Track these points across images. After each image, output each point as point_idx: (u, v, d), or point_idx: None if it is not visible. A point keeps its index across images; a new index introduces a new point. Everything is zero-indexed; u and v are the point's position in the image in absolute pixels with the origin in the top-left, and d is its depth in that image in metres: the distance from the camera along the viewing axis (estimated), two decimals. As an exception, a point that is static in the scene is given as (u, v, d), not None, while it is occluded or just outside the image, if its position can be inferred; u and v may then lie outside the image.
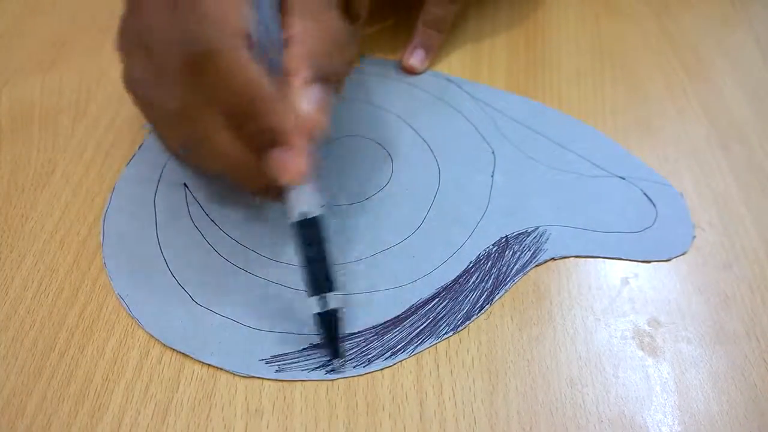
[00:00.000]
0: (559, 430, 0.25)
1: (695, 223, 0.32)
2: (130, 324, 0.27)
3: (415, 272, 0.29)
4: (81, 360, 0.26)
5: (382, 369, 0.26)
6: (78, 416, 0.24)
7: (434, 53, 0.40)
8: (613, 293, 0.29)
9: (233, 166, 0.26)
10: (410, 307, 0.28)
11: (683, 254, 0.31)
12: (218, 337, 0.27)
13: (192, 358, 0.26)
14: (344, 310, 0.26)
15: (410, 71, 0.39)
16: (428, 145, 0.35)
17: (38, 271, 0.29)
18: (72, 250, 0.30)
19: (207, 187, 0.32)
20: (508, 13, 0.44)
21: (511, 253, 0.30)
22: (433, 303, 0.28)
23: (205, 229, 0.30)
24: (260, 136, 0.24)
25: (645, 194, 0.33)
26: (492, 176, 0.33)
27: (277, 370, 0.26)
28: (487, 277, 0.29)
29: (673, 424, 0.25)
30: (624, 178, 0.34)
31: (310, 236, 0.25)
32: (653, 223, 0.32)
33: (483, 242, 0.30)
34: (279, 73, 0.25)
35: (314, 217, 0.25)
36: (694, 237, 0.31)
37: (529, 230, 0.31)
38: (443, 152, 0.35)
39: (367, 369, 0.26)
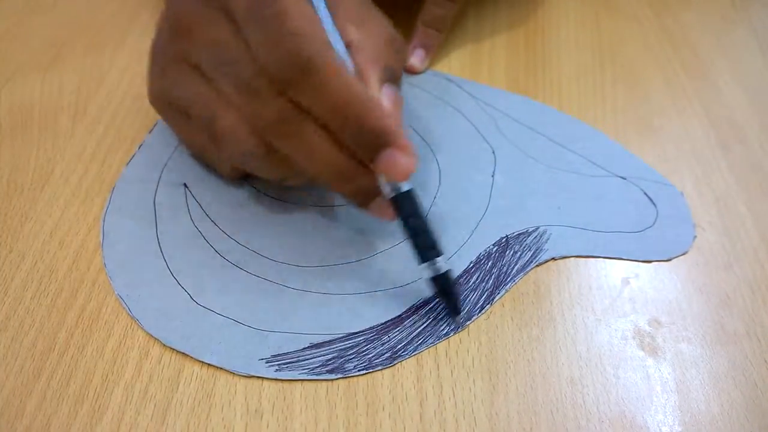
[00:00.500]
0: (559, 430, 0.25)
1: (696, 223, 0.32)
2: (129, 324, 0.27)
3: (416, 272, 0.29)
4: (80, 360, 0.26)
5: (382, 369, 0.26)
6: (77, 416, 0.24)
7: (434, 53, 0.40)
8: (614, 293, 0.29)
9: (337, 174, 0.26)
10: (411, 307, 0.28)
11: (684, 254, 0.31)
12: (218, 337, 0.27)
13: (192, 358, 0.26)
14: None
15: (410, 71, 0.39)
16: (428, 144, 0.35)
17: (38, 271, 0.29)
18: (71, 250, 0.29)
19: (207, 187, 0.32)
20: (508, 13, 0.44)
21: (511, 253, 0.30)
22: (433, 303, 0.28)
23: (205, 229, 0.30)
24: (365, 140, 0.25)
25: (645, 194, 0.33)
26: (492, 176, 0.33)
27: (277, 370, 0.26)
28: (487, 277, 0.29)
29: (674, 424, 0.25)
30: (624, 178, 0.34)
31: (408, 209, 0.26)
32: (654, 223, 0.32)
33: (483, 242, 0.30)
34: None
35: (408, 191, 0.26)
36: (695, 237, 0.31)
37: (530, 230, 0.31)
38: (443, 152, 0.35)
39: (368, 369, 0.26)
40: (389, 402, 0.25)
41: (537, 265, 0.30)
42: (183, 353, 0.26)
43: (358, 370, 0.26)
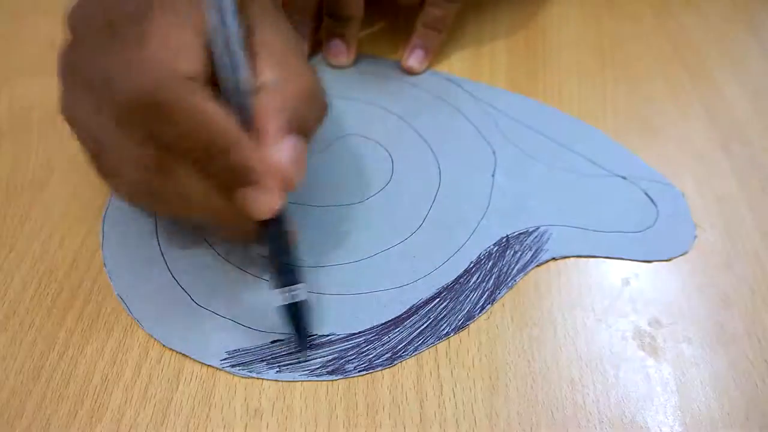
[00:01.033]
0: (559, 430, 0.25)
1: (696, 223, 0.32)
2: (129, 324, 0.27)
3: (416, 272, 0.29)
4: (80, 360, 0.26)
5: (382, 369, 0.26)
6: (77, 417, 0.24)
7: (434, 53, 0.40)
8: (614, 293, 0.29)
9: (202, 209, 0.25)
10: (411, 307, 0.28)
11: (684, 254, 0.31)
12: (218, 338, 0.27)
13: (191, 358, 0.26)
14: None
15: (410, 72, 0.39)
16: (428, 144, 0.35)
17: (37, 272, 0.29)
18: (71, 251, 0.29)
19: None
20: (508, 13, 0.44)
21: (512, 252, 0.30)
22: (434, 303, 0.28)
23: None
24: (227, 177, 0.23)
25: (646, 194, 0.33)
26: (493, 176, 0.33)
27: (277, 371, 0.26)
28: (488, 277, 0.29)
29: (674, 424, 0.25)
30: (625, 178, 0.34)
31: (275, 231, 0.25)
32: (654, 223, 0.32)
33: (484, 242, 0.30)
34: (248, 120, 0.24)
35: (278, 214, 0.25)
36: (695, 237, 0.31)
37: (530, 230, 0.31)
38: (444, 152, 0.35)
39: (368, 370, 0.26)
40: (389, 402, 0.25)
41: (537, 265, 0.30)
42: (183, 354, 0.26)
43: (359, 371, 0.26)
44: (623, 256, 0.30)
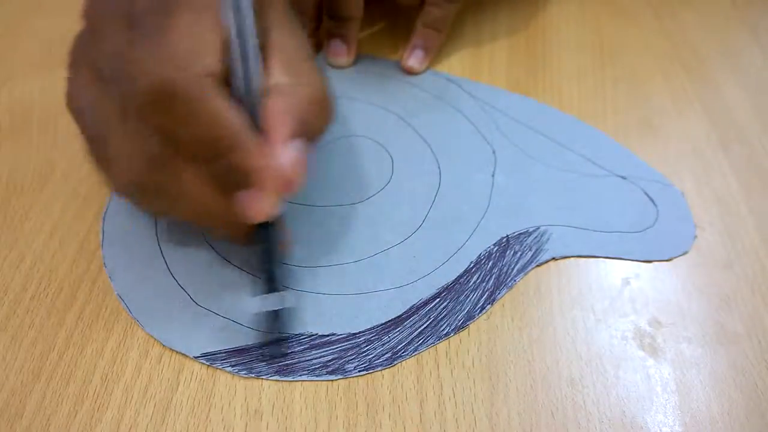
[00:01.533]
0: (559, 430, 0.25)
1: (696, 223, 0.32)
2: (129, 324, 0.27)
3: (416, 272, 0.29)
4: (80, 360, 0.26)
5: (382, 369, 0.26)
6: (77, 417, 0.24)
7: (434, 53, 0.40)
8: (614, 293, 0.29)
9: (201, 209, 0.25)
10: (411, 308, 0.28)
11: (684, 254, 0.31)
12: (218, 338, 0.27)
13: (191, 358, 0.26)
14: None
15: (409, 72, 0.39)
16: (428, 144, 0.35)
17: (37, 272, 0.29)
18: (71, 250, 0.29)
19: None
20: (508, 13, 0.44)
21: (512, 252, 0.30)
22: (434, 303, 0.28)
23: (205, 229, 0.30)
24: (229, 176, 0.23)
25: (646, 194, 0.33)
26: (493, 176, 0.33)
27: (277, 371, 0.26)
28: (488, 277, 0.29)
29: (674, 424, 0.25)
30: (625, 178, 0.34)
31: (267, 236, 0.25)
32: (654, 223, 0.32)
33: (484, 242, 0.30)
34: (256, 122, 0.24)
35: (271, 222, 0.25)
36: (695, 237, 0.31)
37: (530, 230, 0.31)
38: (443, 152, 0.35)
39: (368, 369, 0.26)
40: (389, 402, 0.25)
41: (537, 265, 0.30)
42: (183, 354, 0.26)
43: (359, 371, 0.26)
44: (623, 256, 0.30)
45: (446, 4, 0.38)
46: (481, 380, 0.26)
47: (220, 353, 0.26)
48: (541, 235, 0.31)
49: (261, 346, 0.26)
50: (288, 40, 0.25)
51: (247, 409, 0.25)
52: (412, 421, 0.25)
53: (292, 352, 0.26)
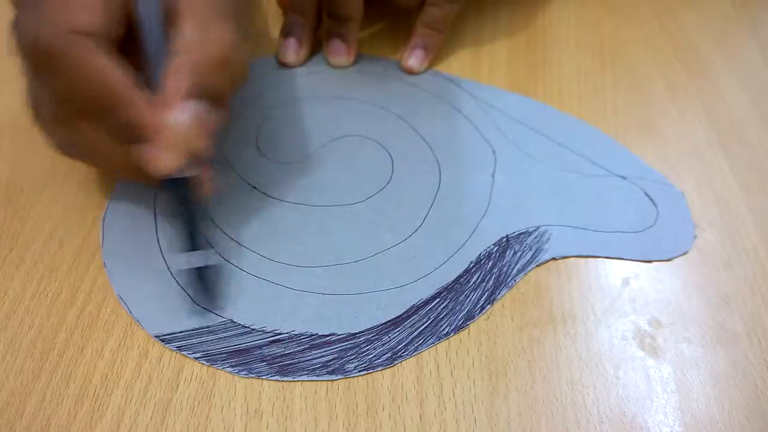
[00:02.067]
0: (559, 430, 0.25)
1: (696, 223, 0.32)
2: (129, 324, 0.27)
3: (416, 272, 0.29)
4: (80, 360, 0.26)
5: (382, 369, 0.26)
6: (77, 417, 0.24)
7: (433, 53, 0.40)
8: (614, 293, 0.29)
9: (108, 161, 0.26)
10: (411, 308, 0.28)
11: (684, 254, 0.31)
12: (217, 339, 0.26)
13: (191, 358, 0.26)
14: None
15: (410, 72, 0.39)
16: (428, 144, 0.35)
17: (37, 272, 0.29)
18: (71, 251, 0.29)
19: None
20: (508, 13, 0.44)
21: (512, 252, 0.30)
22: (434, 303, 0.28)
23: (205, 230, 0.30)
24: (123, 132, 0.24)
25: (646, 194, 0.33)
26: (493, 176, 0.33)
27: (277, 372, 0.26)
28: (488, 277, 0.29)
29: (674, 424, 0.25)
30: (625, 178, 0.34)
31: (179, 193, 0.26)
32: (654, 223, 0.32)
33: (484, 242, 0.30)
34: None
35: (179, 179, 0.25)
36: (695, 237, 0.31)
37: (530, 230, 0.31)
38: (444, 152, 0.35)
39: (368, 369, 0.26)
40: (389, 402, 0.25)
41: (537, 265, 0.30)
42: (182, 354, 0.26)
43: (359, 371, 0.26)
44: (623, 256, 0.30)
45: (446, 4, 0.38)
46: (481, 380, 0.26)
47: (220, 353, 0.26)
48: (541, 235, 0.31)
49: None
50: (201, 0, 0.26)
51: (247, 409, 0.25)
52: (412, 421, 0.25)
53: (292, 352, 0.26)
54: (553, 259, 0.30)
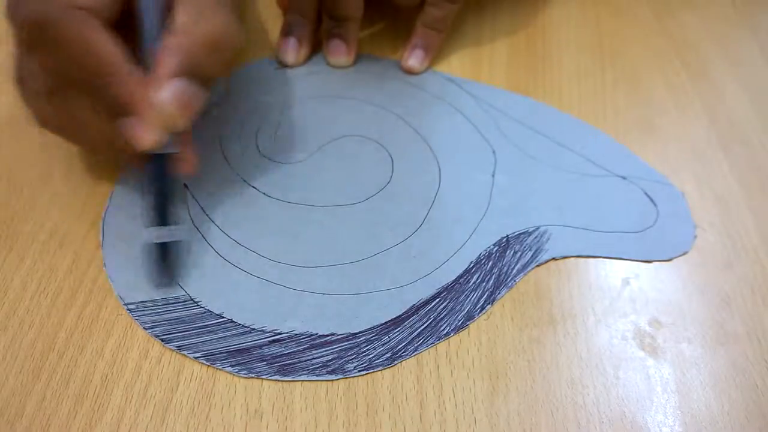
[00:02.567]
0: (559, 430, 0.25)
1: (696, 223, 0.32)
2: (129, 324, 0.27)
3: (416, 272, 0.29)
4: (80, 360, 0.26)
5: (382, 369, 0.26)
6: (77, 417, 0.24)
7: (433, 53, 0.40)
8: (614, 293, 0.29)
9: (94, 136, 0.27)
10: (411, 308, 0.28)
11: (684, 254, 0.31)
12: (217, 338, 0.26)
13: (191, 358, 0.26)
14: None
15: (409, 72, 0.39)
16: (428, 144, 0.35)
17: (37, 272, 0.29)
18: (71, 251, 0.29)
19: (207, 187, 0.32)
20: (508, 13, 0.44)
21: (512, 252, 0.30)
22: (433, 303, 0.28)
23: (205, 230, 0.30)
24: (109, 104, 0.25)
25: (646, 194, 0.33)
26: (493, 176, 0.33)
27: (277, 371, 0.26)
28: (488, 277, 0.29)
29: (674, 424, 0.25)
30: (625, 178, 0.34)
31: (156, 168, 0.27)
32: (654, 223, 0.32)
33: (484, 242, 0.30)
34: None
35: (158, 155, 0.26)
36: (695, 237, 0.31)
37: (530, 230, 0.31)
38: (444, 152, 0.35)
39: (368, 369, 0.26)
40: (389, 402, 0.25)
41: (537, 265, 0.30)
42: (182, 354, 0.26)
43: (359, 371, 0.26)
44: (623, 256, 0.30)
45: (446, 4, 0.38)
46: (481, 380, 0.26)
47: (220, 353, 0.26)
48: (541, 235, 0.31)
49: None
50: None
51: (247, 409, 0.25)
52: (412, 421, 0.25)
53: (292, 352, 0.26)
54: (553, 259, 0.30)
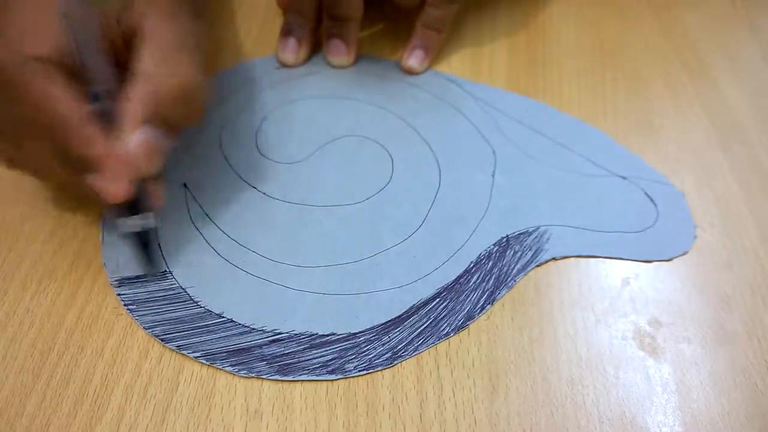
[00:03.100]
0: (559, 430, 0.25)
1: (696, 223, 0.32)
2: (129, 324, 0.27)
3: (416, 272, 0.29)
4: (80, 360, 0.26)
5: (382, 369, 0.26)
6: (77, 417, 0.24)
7: (433, 54, 0.40)
8: (614, 293, 0.29)
9: (57, 181, 0.27)
10: (411, 308, 0.28)
11: (684, 254, 0.31)
12: (218, 337, 0.26)
13: (191, 358, 0.26)
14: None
15: (410, 72, 0.39)
16: (428, 144, 0.35)
17: (37, 272, 0.29)
18: (71, 251, 0.29)
19: (207, 187, 0.32)
20: (508, 13, 0.44)
21: (512, 252, 0.30)
22: (434, 303, 0.28)
23: (205, 230, 0.30)
24: (72, 161, 0.24)
25: (646, 194, 0.33)
26: (493, 176, 0.33)
27: (278, 371, 0.26)
28: (488, 277, 0.29)
29: (674, 424, 0.25)
30: (625, 178, 0.34)
31: (131, 204, 0.26)
32: (654, 223, 0.32)
33: (484, 242, 0.30)
34: (108, 111, 0.25)
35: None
36: (695, 237, 0.31)
37: (530, 230, 0.31)
38: (444, 152, 0.35)
39: (368, 369, 0.26)
40: (389, 402, 0.25)
41: (537, 265, 0.30)
42: (182, 353, 0.26)
43: (359, 371, 0.26)
44: (623, 256, 0.30)
45: (446, 4, 0.38)
46: (481, 380, 0.26)
47: (220, 353, 0.26)
48: (541, 235, 0.31)
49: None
50: (165, 29, 0.26)
51: (247, 409, 0.25)
52: (412, 421, 0.25)
53: (291, 352, 0.26)
54: (553, 259, 0.30)
